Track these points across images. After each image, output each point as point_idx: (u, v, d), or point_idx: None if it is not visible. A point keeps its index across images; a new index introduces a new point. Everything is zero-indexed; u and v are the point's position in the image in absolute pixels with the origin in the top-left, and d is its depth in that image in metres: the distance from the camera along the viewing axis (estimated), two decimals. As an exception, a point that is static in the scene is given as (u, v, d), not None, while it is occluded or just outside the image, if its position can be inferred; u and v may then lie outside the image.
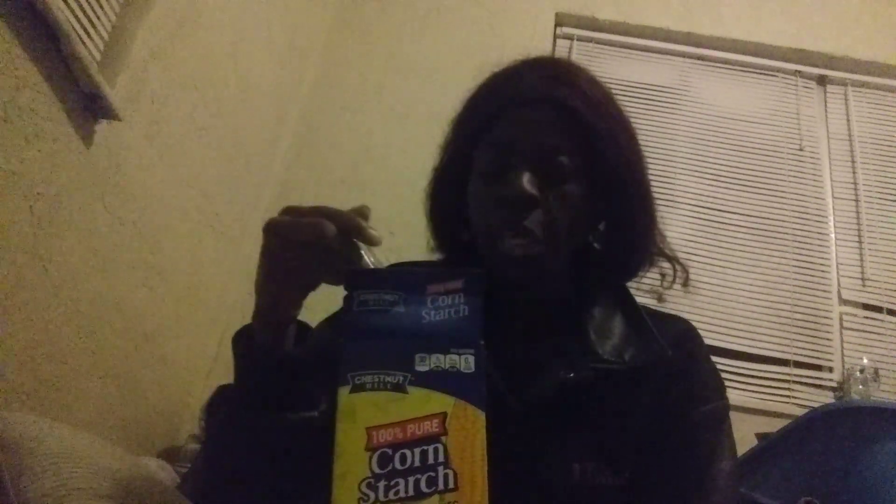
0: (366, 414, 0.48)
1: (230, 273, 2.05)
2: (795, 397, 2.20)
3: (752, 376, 2.22)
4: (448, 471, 0.46)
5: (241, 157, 2.01)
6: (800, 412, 1.91)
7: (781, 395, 2.20)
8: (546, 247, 0.70)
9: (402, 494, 0.45)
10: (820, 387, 2.24)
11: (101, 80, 1.25)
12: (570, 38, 2.76)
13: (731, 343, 2.26)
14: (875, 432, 1.46)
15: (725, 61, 2.74)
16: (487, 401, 0.48)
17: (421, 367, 0.49)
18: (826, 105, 2.69)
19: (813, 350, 2.28)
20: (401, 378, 0.49)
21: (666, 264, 0.82)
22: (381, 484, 0.46)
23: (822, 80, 2.73)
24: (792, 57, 2.73)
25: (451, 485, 0.46)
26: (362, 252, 0.56)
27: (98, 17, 1.26)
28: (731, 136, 2.59)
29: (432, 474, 0.46)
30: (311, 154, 2.47)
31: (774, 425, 1.70)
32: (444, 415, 0.47)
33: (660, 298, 0.84)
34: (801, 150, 2.59)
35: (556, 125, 0.73)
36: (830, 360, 2.27)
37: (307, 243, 0.54)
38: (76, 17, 1.19)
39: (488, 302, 0.52)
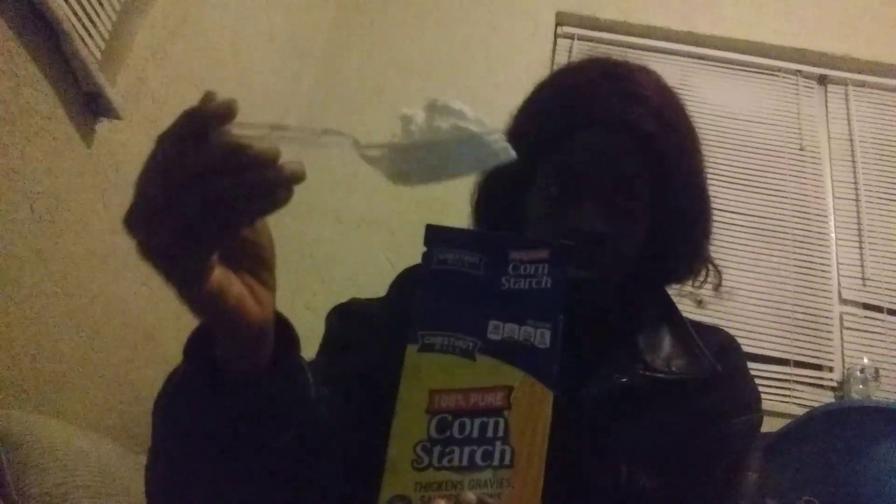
0: (431, 375, 0.46)
1: (230, 273, 2.05)
2: (795, 397, 2.20)
3: (753, 376, 2.21)
4: (506, 447, 0.45)
5: (242, 156, 2.01)
6: (800, 412, 1.91)
7: (781, 395, 2.20)
8: (607, 275, 0.71)
9: (455, 463, 0.44)
10: (820, 386, 2.23)
11: (101, 78, 1.25)
12: (570, 37, 2.75)
13: (732, 343, 2.26)
14: (875, 432, 1.47)
15: (726, 61, 2.73)
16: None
17: (493, 336, 0.47)
18: (826, 105, 2.68)
19: (813, 350, 2.28)
20: (471, 344, 0.47)
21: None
22: (437, 449, 0.45)
23: (822, 80, 2.73)
24: (792, 57, 2.73)
25: (507, 461, 0.44)
26: (234, 130, 0.39)
27: (98, 16, 1.26)
28: (731, 136, 2.58)
29: (489, 448, 0.45)
30: (311, 154, 2.47)
31: (774, 425, 1.69)
32: (510, 389, 0.46)
33: (700, 303, 0.85)
34: (801, 150, 2.58)
35: (630, 153, 0.71)
36: (830, 360, 2.26)
37: (168, 200, 0.38)
38: (76, 15, 1.19)
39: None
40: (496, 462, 0.44)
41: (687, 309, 0.83)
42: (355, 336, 0.75)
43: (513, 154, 0.43)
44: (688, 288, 0.83)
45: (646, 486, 0.66)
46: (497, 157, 0.41)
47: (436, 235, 0.51)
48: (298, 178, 0.40)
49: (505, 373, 0.46)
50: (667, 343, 0.75)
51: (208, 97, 0.39)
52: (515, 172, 0.75)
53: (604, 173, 0.70)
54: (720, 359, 0.74)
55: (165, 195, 0.38)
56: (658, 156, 0.71)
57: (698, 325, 0.79)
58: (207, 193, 0.38)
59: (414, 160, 0.39)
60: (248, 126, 0.39)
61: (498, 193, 0.80)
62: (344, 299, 0.83)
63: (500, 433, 0.45)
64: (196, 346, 0.51)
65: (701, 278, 0.82)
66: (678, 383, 0.71)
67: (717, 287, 0.83)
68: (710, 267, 0.83)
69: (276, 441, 0.52)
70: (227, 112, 0.38)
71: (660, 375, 0.71)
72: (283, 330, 0.52)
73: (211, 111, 0.38)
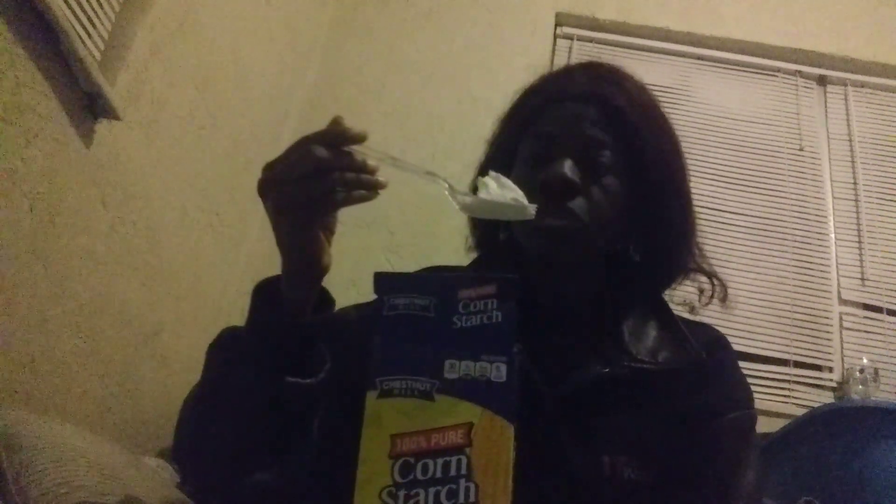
0: (392, 420, 0.47)
1: (230, 273, 2.05)
2: (795, 397, 2.21)
3: (752, 376, 2.22)
4: (470, 484, 0.45)
5: (241, 157, 2.01)
6: (800, 412, 1.91)
7: (781, 395, 2.21)
8: (585, 226, 0.72)
9: None
10: (820, 387, 2.24)
11: (101, 79, 1.25)
12: (570, 37, 2.76)
13: (731, 343, 2.26)
14: (875, 432, 1.47)
15: (725, 61, 2.74)
16: (520, 391, 0.47)
17: (450, 375, 0.48)
18: (826, 105, 2.69)
19: (813, 350, 2.28)
20: (428, 385, 0.48)
21: (704, 280, 0.83)
22: (402, 493, 0.45)
23: (822, 80, 2.73)
24: (792, 57, 2.73)
25: (471, 498, 0.45)
26: (357, 155, 0.56)
27: (98, 17, 1.26)
28: (731, 136, 2.59)
29: (453, 487, 0.45)
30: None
31: (774, 425, 1.70)
32: (470, 425, 0.46)
33: (692, 310, 0.85)
34: (801, 150, 2.59)
35: (600, 121, 0.75)
36: (830, 360, 2.27)
37: (306, 175, 0.55)
38: (76, 16, 1.19)
39: (526, 294, 0.51)
40: (461, 500, 0.45)
41: (683, 309, 0.83)
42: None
43: (532, 213, 0.61)
44: (681, 292, 0.83)
45: (630, 478, 0.66)
46: (524, 214, 0.62)
47: (385, 283, 0.53)
48: (382, 186, 0.59)
49: (464, 410, 0.47)
50: (653, 335, 0.75)
51: (337, 119, 0.57)
52: (499, 159, 0.82)
53: (573, 137, 0.75)
54: (709, 354, 0.74)
55: (302, 176, 0.55)
56: (627, 128, 0.75)
57: (689, 322, 0.79)
58: (331, 181, 0.56)
59: (485, 206, 0.62)
60: (373, 150, 0.57)
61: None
62: (343, 301, 0.84)
63: (464, 471, 0.45)
64: (261, 290, 0.64)
65: (707, 294, 0.83)
66: (665, 376, 0.71)
67: (724, 300, 0.83)
68: (715, 281, 0.83)
69: (311, 375, 0.62)
70: (360, 136, 0.57)
71: (644, 366, 0.71)
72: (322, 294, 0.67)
73: (352, 134, 0.56)
